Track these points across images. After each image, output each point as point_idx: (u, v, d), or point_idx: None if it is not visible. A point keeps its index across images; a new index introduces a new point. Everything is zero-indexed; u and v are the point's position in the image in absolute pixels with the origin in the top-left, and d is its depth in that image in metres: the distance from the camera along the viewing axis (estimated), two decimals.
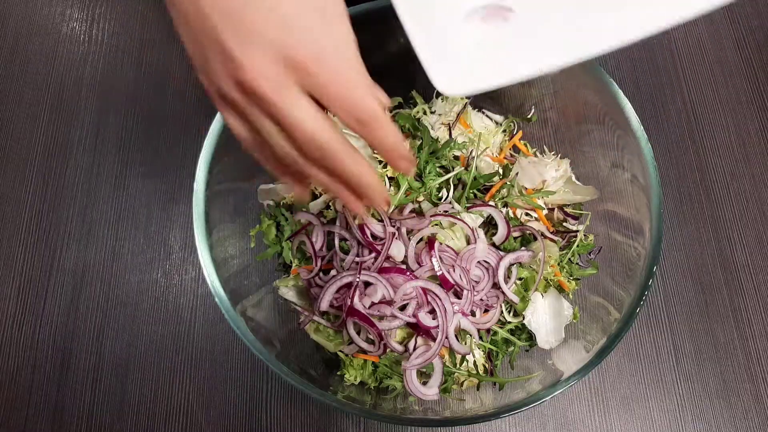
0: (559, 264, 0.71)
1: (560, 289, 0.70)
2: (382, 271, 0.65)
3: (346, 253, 0.68)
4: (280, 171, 0.47)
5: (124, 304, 0.75)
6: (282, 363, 0.57)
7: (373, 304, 0.64)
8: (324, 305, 0.65)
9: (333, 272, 0.68)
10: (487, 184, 0.72)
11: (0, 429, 0.70)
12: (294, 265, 0.71)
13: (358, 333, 0.66)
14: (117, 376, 0.72)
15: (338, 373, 0.66)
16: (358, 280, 0.64)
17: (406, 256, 0.66)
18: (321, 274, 0.69)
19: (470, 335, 0.66)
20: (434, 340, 0.63)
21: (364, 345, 0.65)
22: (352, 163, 0.42)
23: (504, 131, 0.79)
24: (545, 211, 0.74)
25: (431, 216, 0.67)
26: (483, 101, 0.80)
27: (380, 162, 0.72)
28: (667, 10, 0.44)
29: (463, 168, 0.72)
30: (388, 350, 0.65)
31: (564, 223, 0.74)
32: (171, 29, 0.91)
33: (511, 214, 0.72)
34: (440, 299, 0.64)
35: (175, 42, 0.88)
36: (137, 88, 0.86)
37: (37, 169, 0.82)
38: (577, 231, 0.73)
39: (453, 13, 0.46)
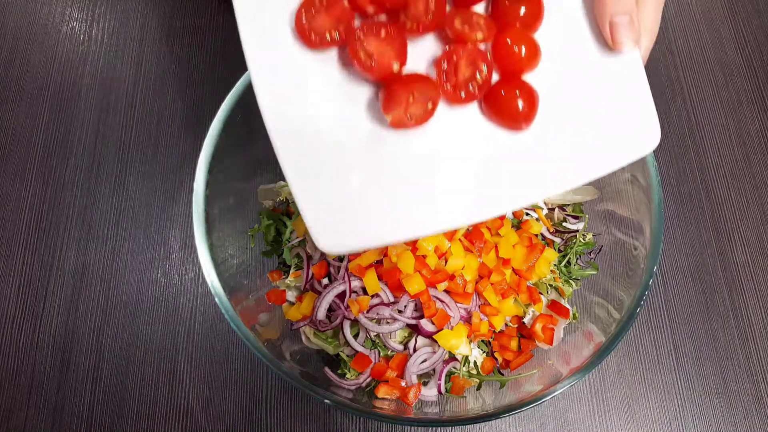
0: (556, 266, 0.71)
1: (559, 293, 0.71)
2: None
3: (341, 260, 0.68)
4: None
5: (124, 304, 0.75)
6: (282, 363, 0.57)
7: (371, 307, 0.63)
8: (321, 314, 0.65)
9: (325, 281, 0.68)
10: None
11: (0, 429, 0.70)
12: (293, 268, 0.71)
13: (356, 336, 0.66)
14: (117, 376, 0.72)
15: (338, 372, 0.66)
16: (349, 286, 0.64)
17: None
18: (319, 281, 0.69)
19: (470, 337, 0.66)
20: (437, 342, 0.63)
21: (361, 348, 0.65)
22: None
23: None
24: (545, 211, 0.74)
25: None
26: None
27: None
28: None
29: None
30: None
31: (564, 223, 0.74)
32: (171, 28, 0.92)
33: (510, 215, 0.72)
34: (445, 302, 0.64)
35: (175, 41, 0.89)
36: (137, 88, 0.86)
37: (37, 169, 0.82)
38: (577, 231, 0.73)
39: (339, 167, 0.43)
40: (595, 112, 0.44)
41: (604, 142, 0.44)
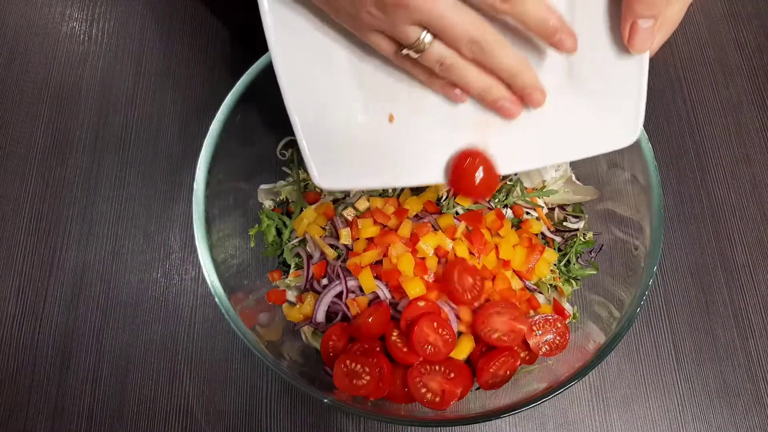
0: (557, 265, 0.71)
1: (559, 293, 0.71)
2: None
3: (338, 259, 0.67)
4: (431, 80, 0.48)
5: (124, 304, 0.75)
6: (282, 363, 0.57)
7: None
8: (320, 316, 0.65)
9: (324, 281, 0.67)
10: None
11: (0, 429, 0.70)
12: (293, 268, 0.71)
13: None
14: (117, 376, 0.72)
15: None
16: (345, 286, 0.64)
17: None
18: (318, 281, 0.69)
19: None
20: None
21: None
22: (506, 53, 0.43)
23: None
24: (545, 210, 0.74)
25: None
26: None
27: None
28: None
29: None
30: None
31: (564, 222, 0.74)
32: (171, 29, 0.92)
33: (511, 215, 0.72)
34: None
35: (175, 41, 0.88)
36: (137, 87, 0.86)
37: (37, 169, 0.82)
38: (577, 230, 0.73)
39: (346, 116, 0.48)
40: (588, 98, 0.47)
41: (588, 129, 0.48)
